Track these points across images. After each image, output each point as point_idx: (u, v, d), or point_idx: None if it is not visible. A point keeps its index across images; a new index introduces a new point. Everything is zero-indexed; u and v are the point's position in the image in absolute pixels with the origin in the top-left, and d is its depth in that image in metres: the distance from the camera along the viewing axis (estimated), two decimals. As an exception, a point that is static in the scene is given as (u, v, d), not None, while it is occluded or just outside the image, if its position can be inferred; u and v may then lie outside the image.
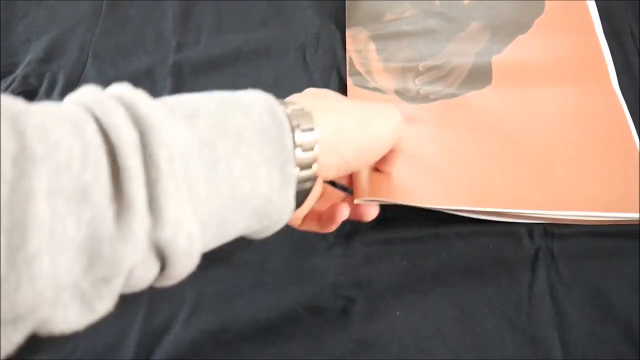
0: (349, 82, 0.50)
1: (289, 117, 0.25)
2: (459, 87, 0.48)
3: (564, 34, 0.51)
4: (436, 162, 0.43)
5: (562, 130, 0.45)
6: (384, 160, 0.35)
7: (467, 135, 0.45)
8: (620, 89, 0.48)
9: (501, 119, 0.46)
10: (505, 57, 0.50)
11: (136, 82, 0.53)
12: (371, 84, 0.49)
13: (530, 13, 0.53)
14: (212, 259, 0.42)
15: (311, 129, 0.26)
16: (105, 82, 0.52)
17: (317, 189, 0.33)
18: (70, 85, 0.52)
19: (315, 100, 0.30)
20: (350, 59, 0.51)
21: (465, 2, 0.54)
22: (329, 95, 0.33)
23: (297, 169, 0.25)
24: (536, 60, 0.49)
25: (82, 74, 0.53)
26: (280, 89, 0.50)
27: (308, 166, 0.26)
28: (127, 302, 0.42)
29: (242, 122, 0.24)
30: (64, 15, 0.57)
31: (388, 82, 0.49)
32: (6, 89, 0.51)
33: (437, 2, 0.54)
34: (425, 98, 0.48)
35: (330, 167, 0.28)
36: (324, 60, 0.52)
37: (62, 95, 0.51)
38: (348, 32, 0.53)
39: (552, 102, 0.47)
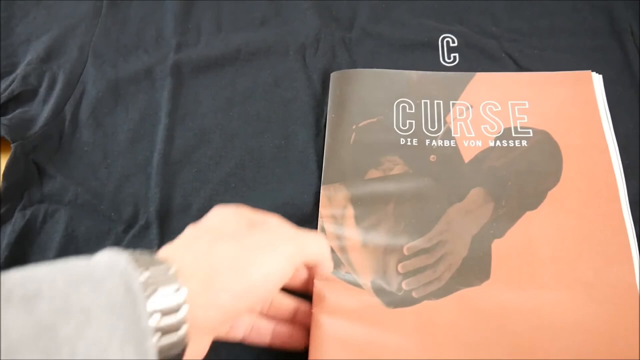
0: None
1: (147, 284, 0.24)
2: (450, 281, 0.39)
3: (585, 215, 0.41)
4: None
5: (578, 352, 0.36)
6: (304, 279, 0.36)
7: (455, 351, 0.36)
8: (621, 88, 0.48)
9: (500, 328, 0.37)
10: (508, 243, 0.40)
11: (136, 82, 0.53)
12: (343, 269, 0.40)
13: (543, 182, 0.43)
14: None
15: (176, 290, 0.25)
16: (105, 82, 0.52)
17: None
18: (70, 85, 0.52)
19: (187, 246, 0.29)
20: (323, 230, 0.42)
21: (466, 159, 0.45)
22: (209, 230, 0.31)
23: (157, 338, 0.24)
24: (547, 250, 0.40)
25: (82, 74, 0.53)
26: (280, 89, 0.51)
27: (174, 329, 0.24)
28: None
29: (91, 299, 0.22)
30: (64, 15, 0.57)
31: (365, 269, 0.40)
32: (6, 89, 0.51)
33: (432, 157, 0.45)
34: (406, 297, 0.39)
35: (211, 320, 0.27)
36: (324, 61, 0.52)
37: (62, 94, 0.51)
38: (324, 190, 0.44)
39: (567, 312, 0.37)
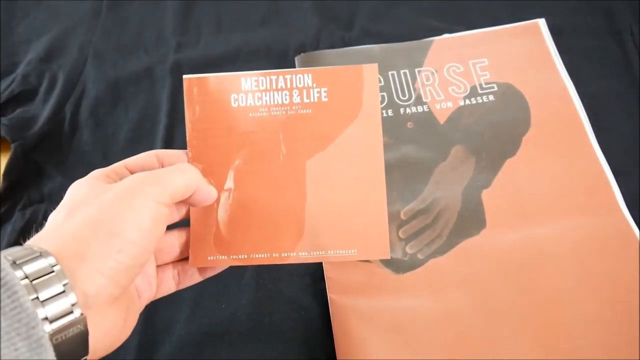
0: None
1: (29, 287, 0.23)
2: (450, 236, 0.41)
3: (559, 151, 0.44)
4: (434, 338, 0.37)
5: (577, 273, 0.39)
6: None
7: (468, 300, 0.39)
8: (621, 88, 0.48)
9: (506, 270, 0.40)
10: (496, 190, 0.43)
11: (136, 82, 0.53)
12: None
13: (516, 130, 0.46)
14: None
15: (53, 273, 0.23)
16: (105, 82, 0.52)
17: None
18: (70, 85, 0.52)
19: (46, 229, 0.27)
20: None
21: (441, 121, 0.47)
22: (63, 206, 0.29)
23: (48, 326, 0.23)
24: (532, 190, 0.43)
25: (82, 73, 0.53)
26: (280, 89, 0.51)
27: (67, 312, 0.23)
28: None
29: None
30: (64, 15, 0.57)
31: None
32: (6, 89, 0.51)
33: (409, 124, 0.47)
34: (413, 260, 0.41)
35: (102, 289, 0.25)
36: (324, 60, 0.52)
37: (62, 94, 0.51)
38: None
39: (561, 240, 0.40)
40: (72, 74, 0.53)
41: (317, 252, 0.34)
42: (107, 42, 0.55)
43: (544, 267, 0.39)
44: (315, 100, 0.34)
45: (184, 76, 0.35)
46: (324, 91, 0.34)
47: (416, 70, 0.50)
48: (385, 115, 0.48)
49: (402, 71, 0.50)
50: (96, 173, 0.31)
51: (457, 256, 0.41)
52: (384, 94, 0.49)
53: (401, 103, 0.48)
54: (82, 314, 0.24)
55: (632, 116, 0.47)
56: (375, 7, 0.56)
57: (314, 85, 0.34)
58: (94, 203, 0.27)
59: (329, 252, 0.34)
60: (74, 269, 0.24)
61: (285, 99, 0.34)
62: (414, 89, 0.49)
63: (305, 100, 0.34)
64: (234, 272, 0.42)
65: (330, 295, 0.40)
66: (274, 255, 0.34)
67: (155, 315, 0.40)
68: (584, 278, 0.39)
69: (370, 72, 0.34)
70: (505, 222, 0.42)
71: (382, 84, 0.49)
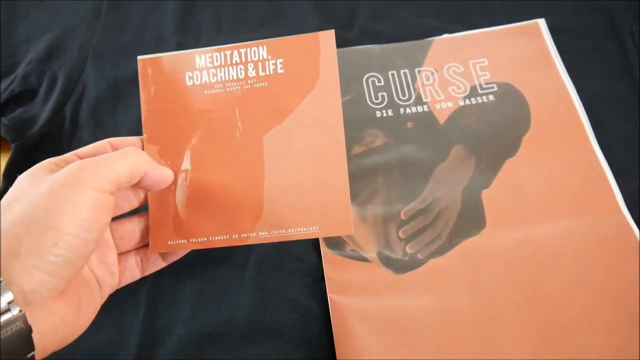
0: (322, 243, 0.42)
1: None
2: (450, 236, 0.41)
3: (559, 152, 0.44)
4: (434, 338, 0.37)
5: (577, 273, 0.39)
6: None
7: (468, 300, 0.39)
8: (621, 88, 0.48)
9: (506, 270, 0.40)
10: (496, 190, 0.43)
11: (136, 82, 0.53)
12: (349, 247, 0.42)
13: (516, 130, 0.46)
14: (210, 258, 0.42)
15: None
16: (105, 82, 0.52)
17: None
18: (70, 85, 0.52)
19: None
20: None
21: (441, 121, 0.47)
22: (1, 203, 0.27)
23: None
24: (532, 190, 0.43)
25: (82, 73, 0.53)
26: (280, 89, 0.51)
27: (4, 311, 0.23)
28: (126, 302, 0.42)
29: None
30: (64, 15, 0.57)
31: (368, 242, 0.42)
32: (6, 89, 0.51)
33: (409, 124, 0.47)
34: (413, 260, 0.41)
35: (44, 284, 0.24)
36: (324, 60, 0.52)
37: (62, 94, 0.51)
38: None
39: (561, 240, 0.40)
40: (72, 74, 0.53)
41: (278, 231, 0.32)
42: (107, 42, 0.55)
43: (543, 267, 0.39)
44: (271, 72, 0.33)
45: (138, 57, 0.34)
46: (280, 62, 0.33)
47: (416, 70, 0.50)
48: (385, 115, 0.48)
49: (402, 71, 0.50)
50: (44, 163, 0.30)
51: (457, 256, 0.41)
52: (384, 93, 0.49)
53: (401, 103, 0.48)
54: (20, 311, 0.24)
55: (632, 116, 0.47)
56: (375, 7, 0.56)
57: (269, 57, 0.33)
58: (28, 197, 0.26)
59: (290, 231, 0.32)
60: (7, 267, 0.24)
61: (241, 74, 0.33)
62: (414, 89, 0.49)
63: (261, 74, 0.33)
64: (234, 272, 0.42)
65: (330, 295, 0.40)
66: (233, 236, 0.33)
67: (155, 315, 0.40)
68: (583, 278, 0.39)
69: (327, 40, 0.33)
70: (505, 222, 0.42)
71: (382, 84, 0.49)
